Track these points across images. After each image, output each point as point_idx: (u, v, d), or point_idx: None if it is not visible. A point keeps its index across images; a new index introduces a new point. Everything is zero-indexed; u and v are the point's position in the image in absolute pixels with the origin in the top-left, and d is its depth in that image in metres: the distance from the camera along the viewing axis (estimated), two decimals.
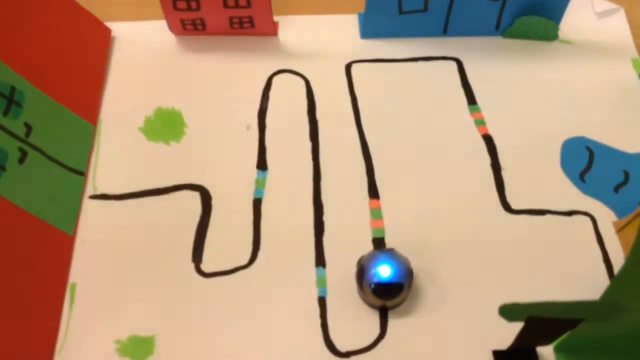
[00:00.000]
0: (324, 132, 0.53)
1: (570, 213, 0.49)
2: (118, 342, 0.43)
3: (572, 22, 0.59)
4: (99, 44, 0.57)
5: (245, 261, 0.46)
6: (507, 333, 0.39)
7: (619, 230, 0.47)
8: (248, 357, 0.42)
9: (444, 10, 0.56)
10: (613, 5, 0.60)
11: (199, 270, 0.46)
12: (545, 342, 0.41)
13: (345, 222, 0.48)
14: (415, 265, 0.44)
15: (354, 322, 0.44)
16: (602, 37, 0.59)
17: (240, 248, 0.47)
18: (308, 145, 0.52)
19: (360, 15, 0.60)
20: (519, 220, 0.48)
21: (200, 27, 0.57)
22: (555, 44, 0.59)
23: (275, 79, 0.56)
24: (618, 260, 0.46)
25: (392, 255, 0.43)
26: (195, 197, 0.49)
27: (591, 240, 0.47)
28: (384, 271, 0.42)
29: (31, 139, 0.45)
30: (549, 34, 0.58)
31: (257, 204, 0.49)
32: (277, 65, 0.57)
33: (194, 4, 0.55)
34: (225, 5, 0.55)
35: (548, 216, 0.48)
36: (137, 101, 0.54)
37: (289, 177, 0.50)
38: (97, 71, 0.55)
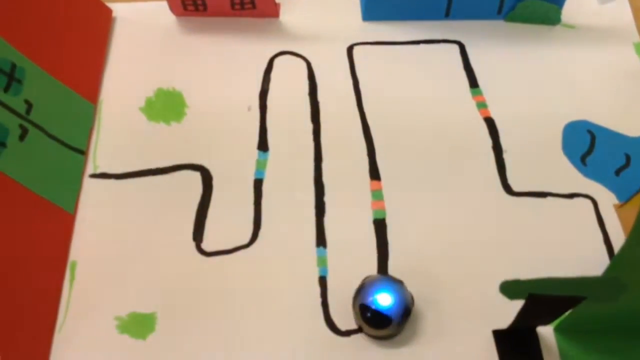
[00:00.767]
0: (325, 113, 0.53)
1: (571, 196, 0.49)
2: (118, 318, 0.43)
3: (575, 6, 0.58)
4: (100, 24, 0.57)
5: (246, 240, 0.46)
6: (508, 313, 0.39)
7: (620, 207, 0.47)
8: (248, 336, 0.42)
9: None
10: None
11: (200, 249, 0.46)
12: (546, 322, 0.42)
13: (346, 203, 0.48)
14: (415, 246, 0.44)
15: None
16: (604, 21, 0.59)
17: (241, 227, 0.47)
18: (309, 126, 0.52)
19: None
20: (520, 203, 0.48)
21: (201, 7, 0.57)
22: (557, 27, 0.58)
23: (276, 61, 0.56)
24: (619, 242, 0.46)
25: (397, 287, 0.41)
26: (196, 177, 0.49)
27: (592, 223, 0.47)
28: (383, 299, 0.41)
29: (32, 117, 0.45)
30: (551, 18, 0.58)
31: (257, 184, 0.49)
32: (279, 46, 0.57)
33: None
34: None
35: (549, 198, 0.48)
36: (138, 81, 0.54)
37: (290, 158, 0.50)
38: (98, 51, 0.55)
